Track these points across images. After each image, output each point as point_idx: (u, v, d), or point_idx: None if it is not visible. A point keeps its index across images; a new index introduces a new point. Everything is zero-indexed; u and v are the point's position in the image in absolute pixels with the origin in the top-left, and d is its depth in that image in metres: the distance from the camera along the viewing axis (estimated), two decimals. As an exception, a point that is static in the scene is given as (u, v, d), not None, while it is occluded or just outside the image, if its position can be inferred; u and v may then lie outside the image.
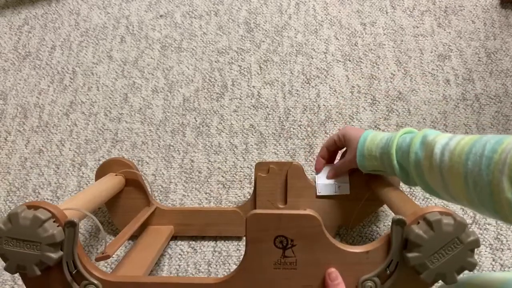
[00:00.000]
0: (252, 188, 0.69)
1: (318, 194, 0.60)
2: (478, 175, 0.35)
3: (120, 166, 0.60)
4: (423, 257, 0.38)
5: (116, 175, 0.60)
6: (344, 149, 0.59)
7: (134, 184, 0.61)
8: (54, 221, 0.40)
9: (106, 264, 0.64)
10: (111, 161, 0.61)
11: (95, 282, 0.42)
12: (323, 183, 0.60)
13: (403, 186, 0.65)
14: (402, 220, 0.39)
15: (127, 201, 0.62)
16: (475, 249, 0.38)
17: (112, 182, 0.58)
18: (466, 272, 0.61)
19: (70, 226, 0.40)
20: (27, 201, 0.71)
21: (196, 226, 0.64)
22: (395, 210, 0.46)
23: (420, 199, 0.67)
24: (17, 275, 0.64)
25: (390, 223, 0.65)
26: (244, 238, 0.65)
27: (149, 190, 0.63)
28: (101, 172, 0.60)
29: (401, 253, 0.40)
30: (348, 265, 0.41)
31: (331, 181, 0.61)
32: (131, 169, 0.60)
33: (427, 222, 0.38)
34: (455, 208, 0.65)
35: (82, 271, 0.41)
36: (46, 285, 0.42)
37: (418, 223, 0.39)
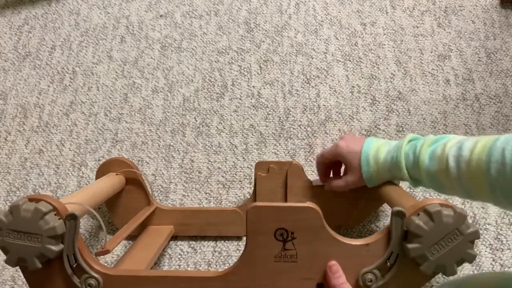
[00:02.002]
0: (252, 188, 0.69)
1: (314, 184, 0.60)
2: (505, 182, 0.35)
3: (120, 166, 0.60)
4: (423, 248, 0.38)
5: (116, 174, 0.60)
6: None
7: (134, 183, 0.61)
8: (55, 214, 0.40)
9: (105, 264, 0.64)
10: (111, 160, 0.61)
11: (96, 275, 0.42)
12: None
13: (402, 183, 0.65)
14: (401, 211, 0.39)
15: (127, 200, 0.62)
16: (475, 241, 0.38)
17: (112, 181, 0.58)
18: (466, 271, 0.61)
19: (71, 219, 0.40)
20: (27, 201, 0.71)
21: (196, 226, 0.64)
22: (394, 205, 0.46)
23: (420, 199, 0.66)
24: (17, 275, 0.64)
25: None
26: (244, 238, 0.65)
27: (149, 190, 0.63)
28: (101, 172, 0.60)
29: (401, 245, 0.40)
30: (349, 258, 0.41)
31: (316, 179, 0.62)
32: (132, 169, 0.60)
33: (427, 213, 0.38)
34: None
35: (82, 264, 0.41)
36: (47, 279, 0.42)
37: (418, 214, 0.39)
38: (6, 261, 0.40)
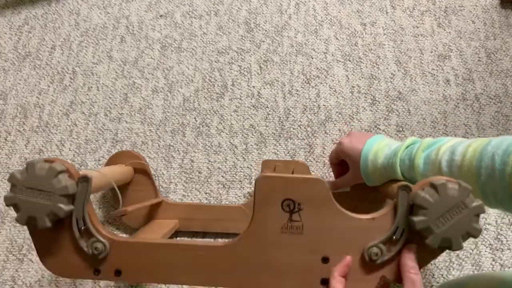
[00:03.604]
0: (252, 188, 0.69)
1: None
2: (495, 188, 0.35)
3: (129, 158, 0.63)
4: (429, 220, 0.38)
5: (125, 166, 0.61)
6: None
7: (142, 175, 0.63)
8: (68, 176, 0.41)
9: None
10: (120, 153, 0.63)
11: (103, 240, 0.42)
12: None
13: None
14: (407, 185, 0.39)
15: (135, 193, 0.64)
16: (480, 215, 0.38)
17: (122, 169, 0.60)
18: (466, 271, 0.61)
19: (84, 181, 0.41)
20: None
21: (200, 221, 0.65)
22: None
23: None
24: (17, 275, 0.64)
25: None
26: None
27: (156, 183, 0.64)
28: (110, 163, 0.63)
29: (407, 219, 0.40)
30: (354, 232, 0.41)
31: (330, 179, 0.61)
32: (140, 161, 0.62)
33: (432, 187, 0.38)
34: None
35: (90, 228, 0.42)
36: (54, 240, 0.42)
37: (424, 189, 0.39)
38: (17, 219, 0.40)
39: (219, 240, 0.65)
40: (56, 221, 0.40)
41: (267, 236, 0.42)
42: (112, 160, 0.63)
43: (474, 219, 0.38)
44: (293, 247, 0.41)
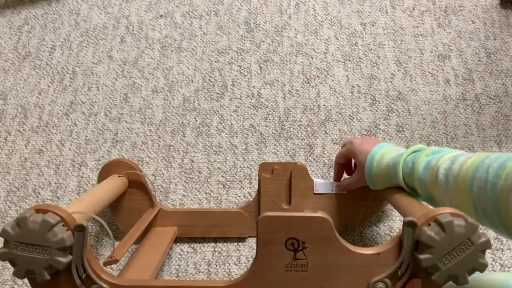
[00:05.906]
0: (252, 188, 0.69)
1: (315, 192, 0.60)
2: (485, 201, 0.35)
3: (123, 167, 0.60)
4: (435, 258, 0.37)
5: (119, 176, 0.60)
6: None
7: (137, 185, 0.61)
8: (63, 225, 0.39)
9: (111, 269, 0.64)
10: (114, 162, 0.60)
11: (105, 286, 0.41)
12: (321, 181, 0.61)
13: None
14: (413, 221, 0.39)
15: (130, 202, 0.62)
16: (486, 251, 0.38)
17: (116, 183, 0.58)
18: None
19: (80, 230, 0.40)
20: (27, 201, 0.71)
21: (199, 227, 0.64)
22: (403, 212, 0.46)
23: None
24: (17, 275, 0.64)
25: (390, 223, 0.65)
26: (247, 239, 0.65)
27: (152, 191, 0.63)
28: (104, 173, 0.60)
29: (412, 255, 0.39)
30: (359, 267, 0.41)
31: (329, 180, 0.61)
32: (135, 170, 0.60)
33: (438, 224, 0.38)
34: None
35: (91, 275, 0.41)
36: None
37: (429, 224, 0.38)
38: (14, 273, 0.39)
39: (220, 244, 0.65)
40: (56, 271, 0.39)
41: (271, 274, 0.41)
42: (106, 169, 0.60)
43: (480, 255, 0.38)
44: (298, 285, 0.41)
